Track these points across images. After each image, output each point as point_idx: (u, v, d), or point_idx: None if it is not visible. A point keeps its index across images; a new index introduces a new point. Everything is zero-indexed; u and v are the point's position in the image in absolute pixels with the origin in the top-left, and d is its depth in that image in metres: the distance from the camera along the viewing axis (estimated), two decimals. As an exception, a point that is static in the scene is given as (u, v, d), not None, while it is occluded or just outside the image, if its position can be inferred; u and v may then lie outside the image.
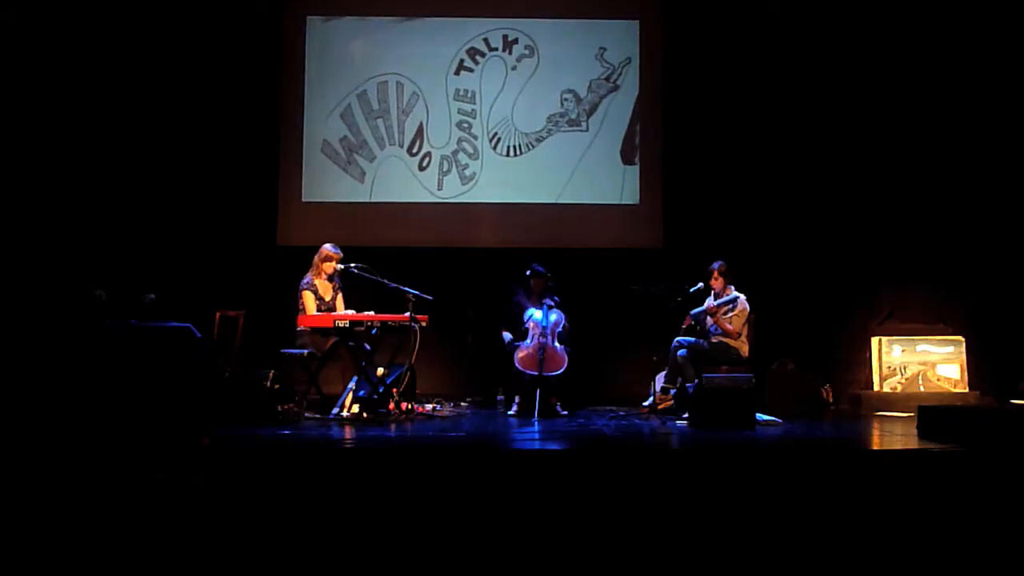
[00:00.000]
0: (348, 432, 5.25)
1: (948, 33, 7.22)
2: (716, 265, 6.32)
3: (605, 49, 7.65)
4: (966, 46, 7.21)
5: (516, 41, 7.66)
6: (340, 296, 6.22)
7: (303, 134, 7.51)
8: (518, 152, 7.64)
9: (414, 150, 7.63)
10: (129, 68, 7.16)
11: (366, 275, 6.01)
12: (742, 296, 6.27)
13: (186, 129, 7.25)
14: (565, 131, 7.65)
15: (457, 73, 7.65)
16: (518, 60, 7.66)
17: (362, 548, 3.75)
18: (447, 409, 6.53)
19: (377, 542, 3.78)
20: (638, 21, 7.63)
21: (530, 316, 6.39)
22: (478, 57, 7.67)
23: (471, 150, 7.63)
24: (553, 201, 7.57)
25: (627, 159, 7.63)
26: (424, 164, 7.61)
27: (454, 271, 7.21)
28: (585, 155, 7.62)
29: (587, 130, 7.65)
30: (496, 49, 7.67)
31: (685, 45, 7.51)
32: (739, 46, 7.42)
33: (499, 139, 7.64)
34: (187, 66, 7.25)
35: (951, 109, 7.25)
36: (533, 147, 7.64)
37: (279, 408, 5.53)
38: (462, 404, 6.93)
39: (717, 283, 6.31)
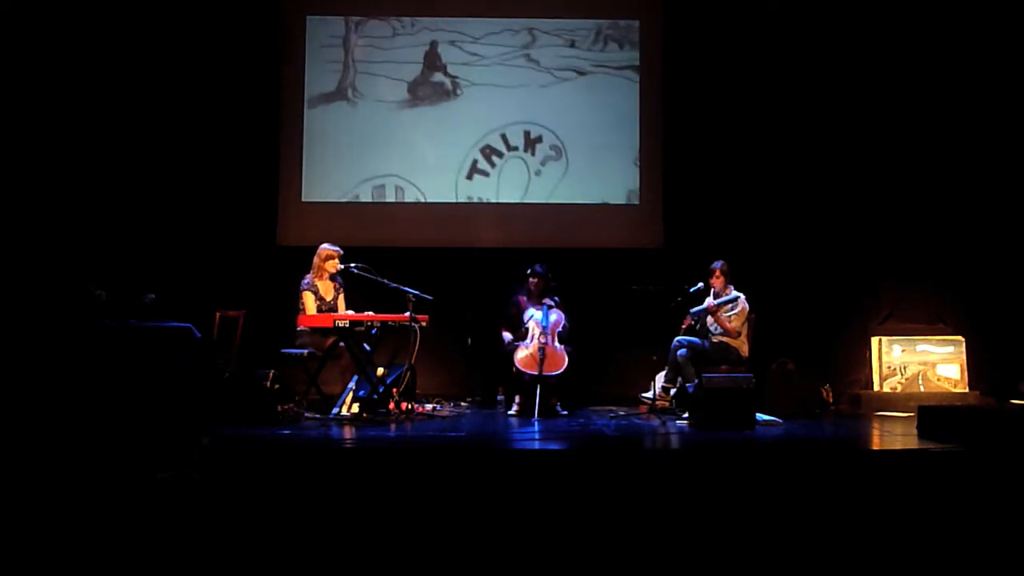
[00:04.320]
0: (348, 432, 5.25)
1: (948, 33, 7.21)
2: (717, 265, 6.32)
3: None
4: (966, 46, 7.20)
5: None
6: (341, 296, 6.21)
7: (303, 134, 7.49)
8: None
9: None
10: (129, 68, 7.14)
11: (366, 275, 6.00)
12: (742, 295, 6.27)
13: (186, 129, 7.23)
14: None
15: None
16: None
17: (362, 548, 3.76)
18: (447, 409, 6.52)
19: (377, 542, 3.78)
20: (638, 21, 7.59)
21: (530, 316, 6.39)
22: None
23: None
24: (553, 201, 7.54)
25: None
26: None
27: (454, 271, 7.19)
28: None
29: None
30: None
31: (685, 45, 7.49)
32: (739, 45, 7.41)
33: None
34: (187, 65, 7.23)
35: (951, 109, 7.24)
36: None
37: (279, 408, 5.53)
38: (462, 404, 6.92)
39: (717, 282, 6.31)
